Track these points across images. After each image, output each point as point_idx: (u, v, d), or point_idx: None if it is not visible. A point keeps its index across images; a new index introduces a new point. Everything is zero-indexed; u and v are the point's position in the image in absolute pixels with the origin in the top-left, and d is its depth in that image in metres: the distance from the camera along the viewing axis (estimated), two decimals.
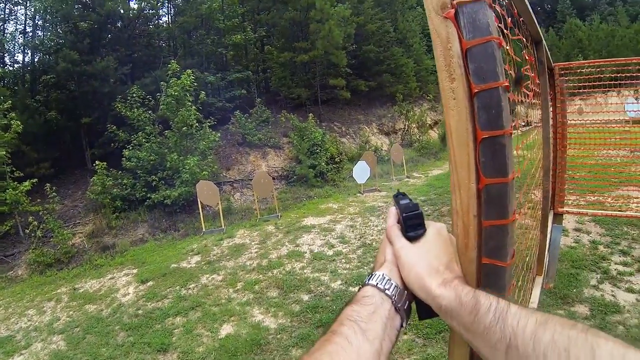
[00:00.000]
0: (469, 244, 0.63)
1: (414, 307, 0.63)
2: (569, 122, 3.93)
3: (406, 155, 13.96)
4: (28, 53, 15.16)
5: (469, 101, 0.58)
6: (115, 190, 10.25)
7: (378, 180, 11.80)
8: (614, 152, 6.23)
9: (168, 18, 18.03)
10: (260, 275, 6.03)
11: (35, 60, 14.69)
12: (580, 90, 4.43)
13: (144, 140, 10.65)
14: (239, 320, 4.82)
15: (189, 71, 10.89)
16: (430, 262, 0.60)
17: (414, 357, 3.66)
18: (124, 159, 10.37)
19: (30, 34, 15.62)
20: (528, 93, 1.46)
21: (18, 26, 16.16)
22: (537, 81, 2.13)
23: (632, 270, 4.58)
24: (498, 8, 0.81)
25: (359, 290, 0.61)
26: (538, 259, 2.55)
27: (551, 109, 3.10)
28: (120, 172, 10.57)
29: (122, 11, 13.89)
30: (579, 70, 4.17)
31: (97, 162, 10.06)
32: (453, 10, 0.57)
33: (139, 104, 11.14)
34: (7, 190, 8.69)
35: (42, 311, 6.07)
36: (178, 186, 9.82)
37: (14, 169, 9.19)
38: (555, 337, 0.44)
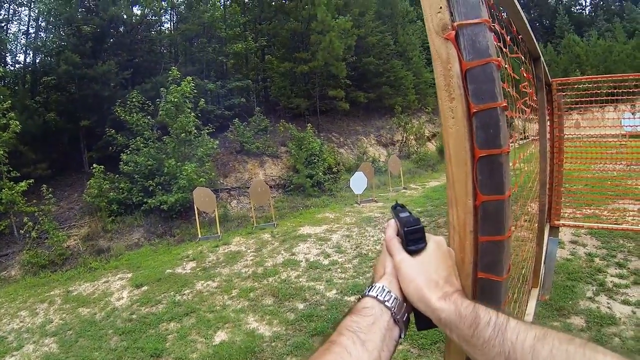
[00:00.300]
0: (465, 258, 0.64)
1: (411, 318, 0.63)
2: (566, 136, 3.95)
3: (403, 167, 13.98)
4: (30, 54, 15.25)
5: (468, 120, 0.59)
6: (111, 193, 10.20)
7: (375, 191, 11.80)
8: (610, 165, 6.29)
9: (170, 25, 18.17)
10: (256, 283, 6.00)
11: (37, 61, 14.70)
12: (578, 105, 4.47)
13: (142, 145, 10.63)
14: (234, 327, 4.78)
15: (189, 78, 10.95)
16: (430, 276, 0.60)
17: None
18: (121, 163, 10.35)
19: (33, 35, 15.70)
20: (526, 109, 1.48)
21: (21, 27, 16.30)
22: (535, 98, 2.16)
23: (627, 282, 4.58)
24: (497, 26, 0.83)
25: (358, 301, 0.62)
26: (534, 271, 2.55)
27: (548, 123, 3.13)
28: (117, 176, 10.53)
29: (125, 16, 13.93)
30: (576, 86, 4.22)
31: (94, 165, 10.02)
32: (454, 32, 0.58)
33: (138, 109, 11.14)
34: (3, 190, 8.64)
35: (35, 313, 6.01)
36: (175, 192, 9.78)
37: (10, 168, 9.12)
38: (553, 352, 0.44)
